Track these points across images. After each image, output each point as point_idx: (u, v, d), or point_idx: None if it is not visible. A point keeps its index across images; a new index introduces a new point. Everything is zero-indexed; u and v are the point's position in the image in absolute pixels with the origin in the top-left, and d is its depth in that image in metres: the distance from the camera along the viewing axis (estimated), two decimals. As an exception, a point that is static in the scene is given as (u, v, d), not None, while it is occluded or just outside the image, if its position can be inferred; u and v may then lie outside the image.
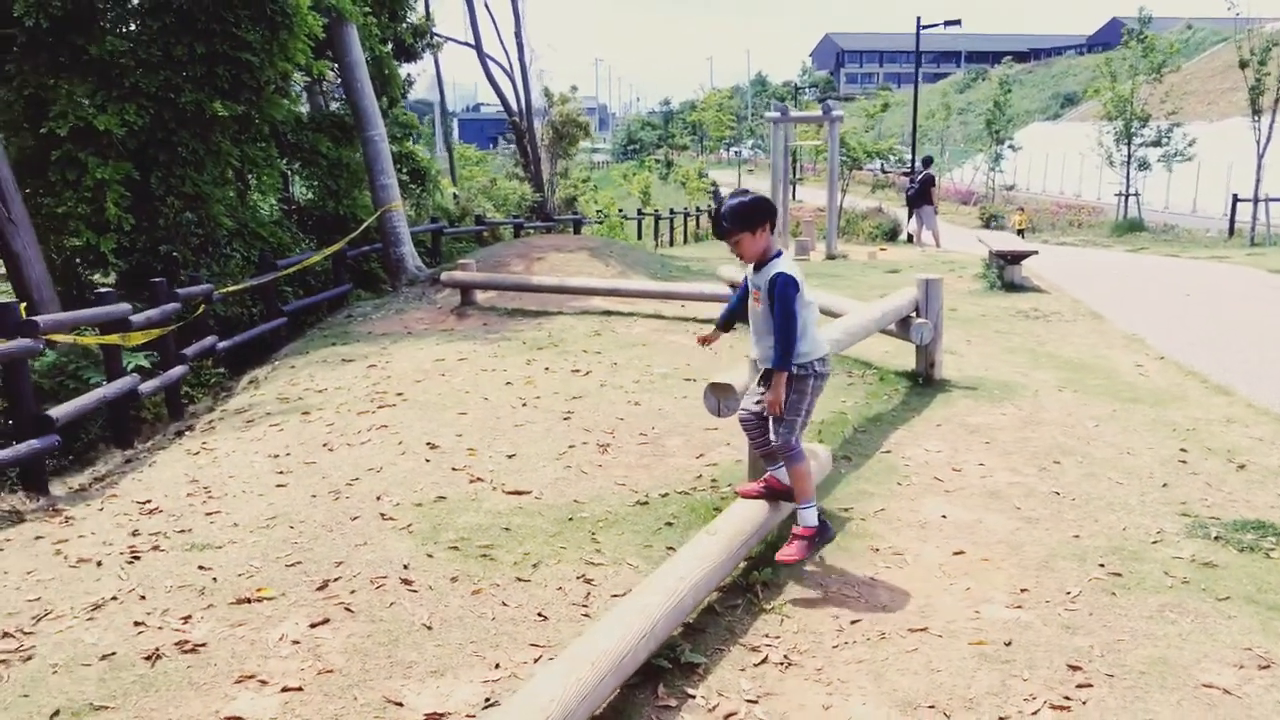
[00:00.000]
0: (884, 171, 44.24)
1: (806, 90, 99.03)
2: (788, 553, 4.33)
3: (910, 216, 24.07)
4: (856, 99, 57.47)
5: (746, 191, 4.43)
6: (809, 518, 4.39)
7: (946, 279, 12.76)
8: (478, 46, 27.91)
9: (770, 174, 23.11)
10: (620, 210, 35.13)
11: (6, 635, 4.12)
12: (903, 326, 7.69)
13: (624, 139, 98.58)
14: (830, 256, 20.26)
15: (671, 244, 33.10)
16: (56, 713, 3.50)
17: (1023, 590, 4.25)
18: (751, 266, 4.40)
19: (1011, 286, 13.24)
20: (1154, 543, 4.75)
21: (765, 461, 4.66)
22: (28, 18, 11.35)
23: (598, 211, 33.00)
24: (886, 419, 6.93)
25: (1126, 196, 31.01)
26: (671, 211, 35.89)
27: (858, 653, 3.79)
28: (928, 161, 24.75)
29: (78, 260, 12.85)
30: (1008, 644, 3.78)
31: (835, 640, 3.89)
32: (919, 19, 28.47)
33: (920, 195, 22.73)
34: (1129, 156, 30.73)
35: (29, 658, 3.91)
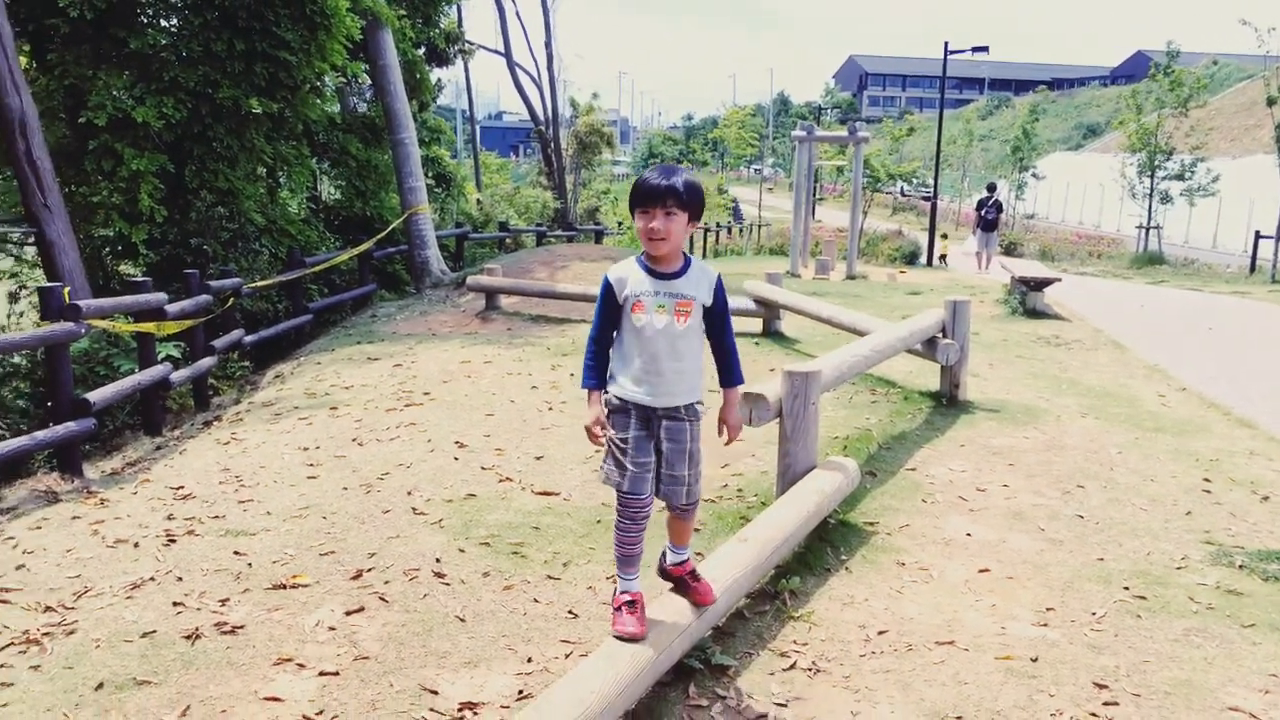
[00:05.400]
0: (903, 195, 44.33)
1: (829, 111, 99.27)
2: (700, 591, 3.66)
3: (981, 241, 24.24)
4: (882, 121, 57.59)
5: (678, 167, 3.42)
6: (687, 554, 3.71)
7: (969, 303, 12.86)
8: (508, 55, 28.15)
9: (792, 193, 23.18)
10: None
11: (49, 609, 4.20)
12: (929, 347, 7.74)
13: (645, 153, 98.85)
14: (850, 276, 20.31)
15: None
16: (100, 685, 3.57)
17: (1048, 609, 4.30)
18: (652, 273, 3.31)
19: (1033, 313, 13.27)
20: (1178, 568, 4.79)
21: (626, 572, 3.53)
22: (72, 9, 11.54)
23: (619, 223, 33.14)
24: (911, 437, 6.97)
25: (1148, 229, 30.98)
26: (691, 226, 35.93)
27: (885, 663, 3.84)
28: (992, 188, 25.00)
29: (107, 250, 13.00)
30: (1034, 660, 3.83)
31: (862, 650, 3.94)
32: (946, 44, 28.53)
33: (996, 220, 23.48)
34: (1151, 189, 30.71)
35: (71, 632, 3.99)
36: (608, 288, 3.37)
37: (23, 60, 12.16)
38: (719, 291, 3.39)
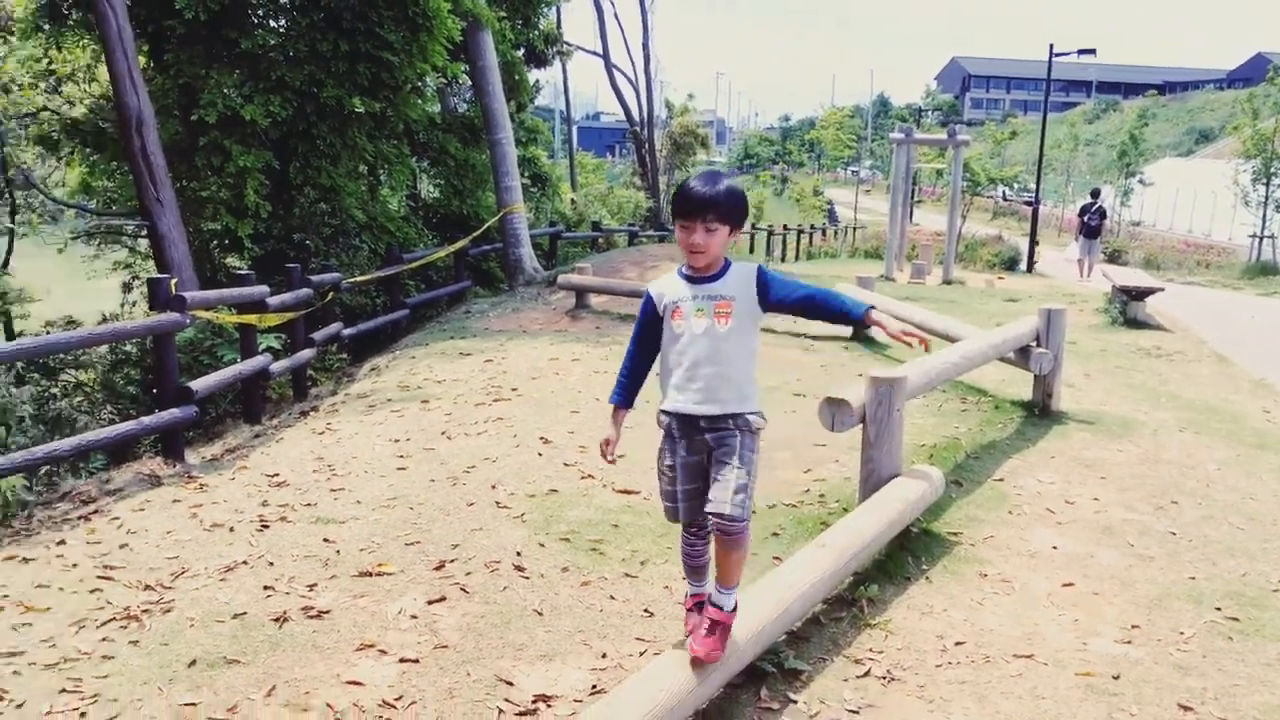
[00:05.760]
0: (1005, 199, 43.38)
1: (929, 113, 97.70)
2: (707, 646, 3.22)
3: (1083, 249, 23.65)
4: (984, 124, 56.48)
5: (722, 174, 3.29)
6: (732, 600, 3.34)
7: (1067, 312, 12.55)
8: (605, 56, 28.35)
9: (889, 195, 22.89)
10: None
11: (148, 588, 4.40)
12: (1022, 355, 7.59)
13: (741, 153, 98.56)
14: (946, 282, 19.98)
15: (783, 259, 33.01)
16: (193, 662, 3.73)
17: (1134, 627, 4.20)
18: (690, 280, 3.22)
19: (1134, 323, 12.89)
20: (1275, 591, 4.62)
21: (694, 579, 3.48)
22: (188, 10, 11.98)
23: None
24: (1000, 447, 6.85)
25: (1261, 238, 29.84)
26: (785, 227, 35.81)
27: (961, 673, 3.80)
28: (1096, 194, 24.38)
29: (215, 243, 13.47)
30: (1116, 678, 3.75)
31: (939, 660, 3.90)
32: (1051, 46, 27.81)
33: (1100, 227, 22.94)
34: (1266, 197, 29.57)
35: (168, 610, 4.17)
36: (649, 301, 3.32)
37: (141, 60, 12.68)
38: (762, 275, 3.22)
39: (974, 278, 21.76)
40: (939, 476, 5.25)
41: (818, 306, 3.31)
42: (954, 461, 6.41)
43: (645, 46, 28.45)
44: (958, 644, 4.03)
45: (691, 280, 3.22)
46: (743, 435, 3.20)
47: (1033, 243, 27.38)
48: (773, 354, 9.72)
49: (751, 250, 33.13)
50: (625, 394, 3.46)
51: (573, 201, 25.72)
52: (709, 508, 3.19)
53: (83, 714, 3.40)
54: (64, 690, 3.55)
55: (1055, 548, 5.07)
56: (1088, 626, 4.20)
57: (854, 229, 40.72)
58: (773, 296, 3.22)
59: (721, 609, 3.30)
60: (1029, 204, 31.75)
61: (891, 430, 5.07)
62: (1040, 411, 7.71)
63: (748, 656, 3.51)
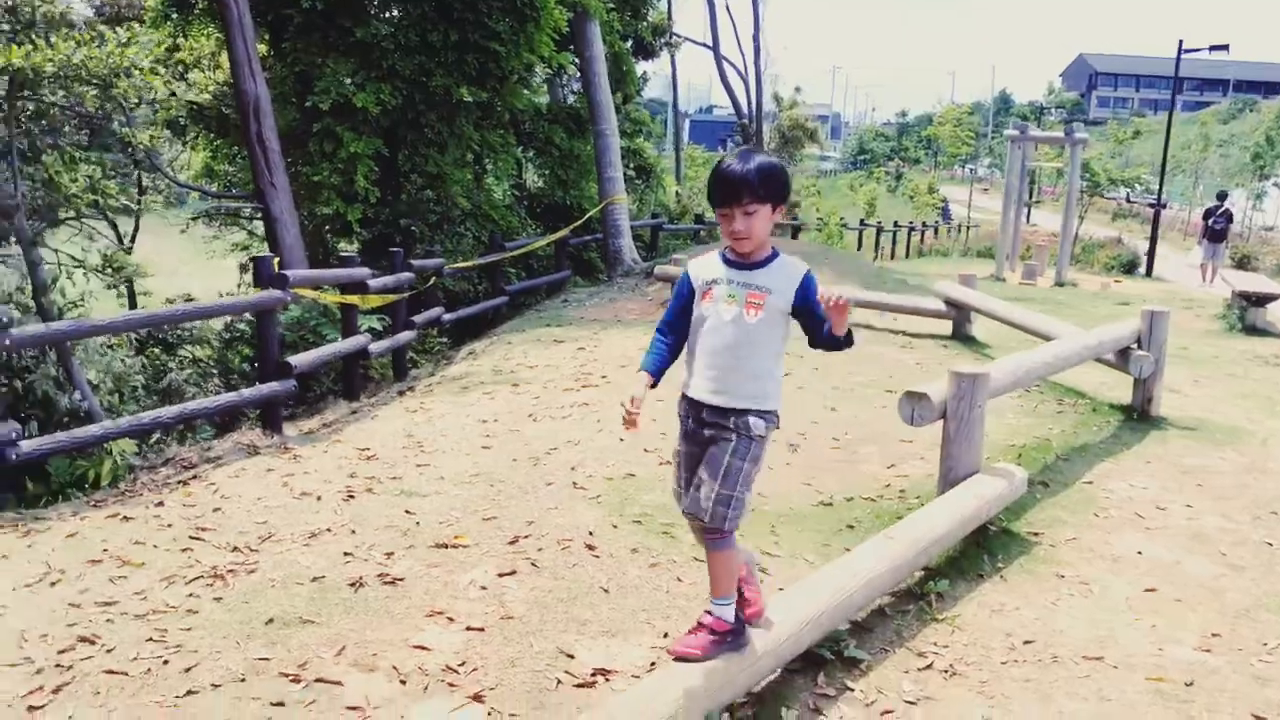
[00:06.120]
0: (1129, 201, 41.94)
1: (1052, 111, 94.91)
2: (687, 643, 3.14)
3: (1206, 253, 22.80)
4: (1107, 123, 54.54)
5: (756, 151, 3.10)
6: (728, 613, 3.20)
7: (1182, 317, 12.11)
8: (715, 48, 28.30)
9: (1003, 194, 22.34)
10: (842, 219, 34.76)
11: (236, 550, 4.60)
12: (1121, 358, 7.37)
13: (855, 148, 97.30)
14: (1059, 284, 19.42)
15: (893, 257, 32.54)
16: (271, 620, 3.90)
17: (1214, 635, 4.05)
18: (731, 264, 3.08)
19: (1253, 330, 12.37)
20: (1374, 608, 4.41)
21: (713, 596, 3.28)
22: (305, 0, 12.38)
23: (818, 219, 32.80)
24: (1093, 450, 6.67)
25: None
26: (896, 224, 35.27)
27: (1026, 671, 3.73)
28: (1223, 196, 23.48)
29: (326, 228, 13.91)
30: (1189, 684, 3.63)
31: (1005, 657, 3.84)
32: (1180, 42, 26.74)
33: (1225, 231, 22.15)
34: None
35: (252, 571, 4.36)
36: (685, 280, 3.18)
37: (261, 48, 13.17)
38: (808, 278, 3.04)
39: (1089, 280, 21.12)
40: (1020, 475, 5.14)
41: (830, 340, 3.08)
42: (1043, 462, 6.26)
43: (755, 39, 28.38)
44: (1026, 642, 3.96)
45: (731, 264, 3.06)
46: (739, 439, 3.04)
47: (1153, 246, 26.43)
48: (869, 351, 9.62)
49: (860, 246, 32.75)
50: (653, 361, 3.19)
51: (677, 194, 25.77)
52: (684, 505, 3.13)
53: (165, 661, 3.58)
54: (150, 639, 3.75)
55: (1140, 553, 4.92)
56: (1166, 633, 4.08)
57: (967, 228, 39.86)
58: (808, 300, 3.02)
59: (717, 617, 3.18)
60: (1153, 206, 30.63)
61: (972, 427, 4.99)
62: (1139, 416, 7.47)
63: (804, 642, 3.51)
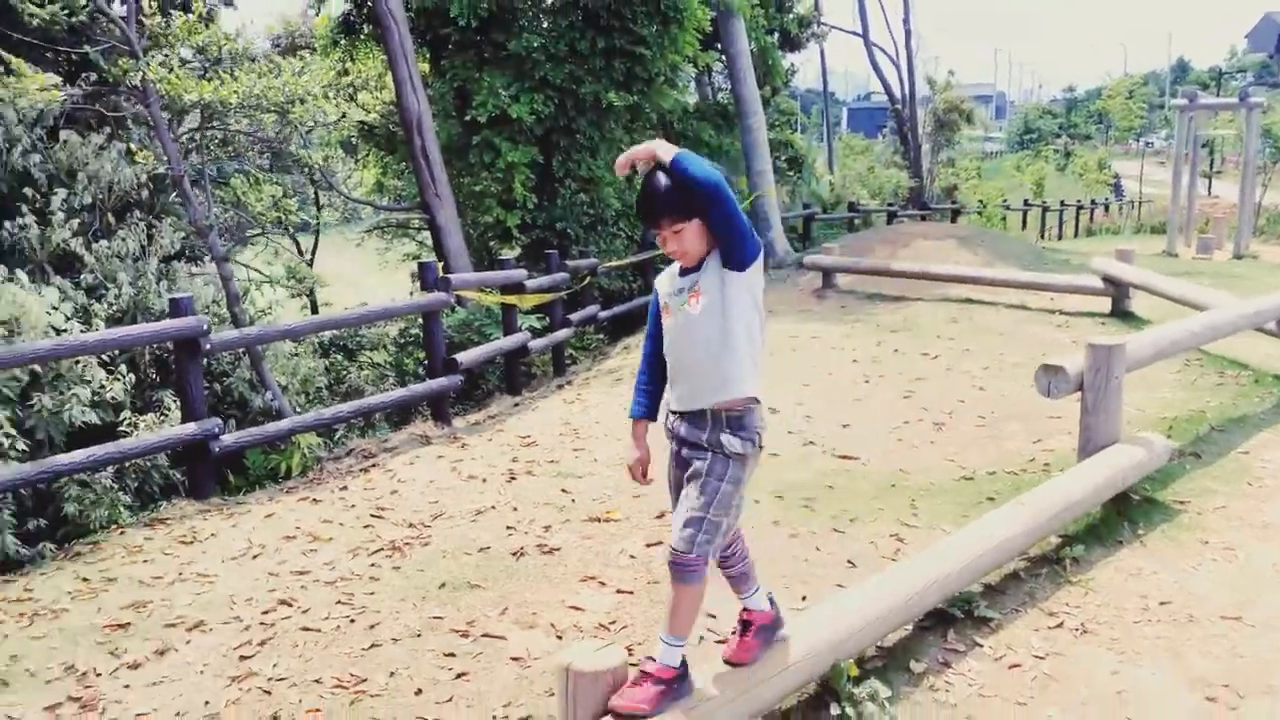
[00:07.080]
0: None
1: (1235, 76, 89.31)
2: (633, 697, 2.75)
3: None
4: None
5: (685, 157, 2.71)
6: (676, 656, 2.87)
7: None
8: (864, 35, 28.04)
9: (1172, 165, 21.39)
10: (1004, 201, 33.82)
11: (411, 526, 5.09)
12: (1284, 326, 7.16)
13: (1020, 128, 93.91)
14: (1237, 256, 18.52)
15: (1060, 237, 31.47)
16: (443, 584, 4.35)
17: (1361, 597, 4.03)
18: (682, 273, 2.89)
19: None
20: None
21: (736, 590, 3.27)
22: (461, 17, 13.06)
23: (979, 201, 32.03)
24: (1252, 421, 6.52)
25: None
26: (1062, 204, 34.07)
27: (1160, 630, 3.81)
28: None
29: (489, 234, 14.59)
30: (1327, 643, 3.65)
31: (1138, 617, 3.92)
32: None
33: None
34: None
35: (426, 544, 4.83)
36: (655, 299, 3.00)
37: (423, 67, 13.93)
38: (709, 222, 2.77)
39: (1271, 253, 20.01)
40: (1161, 444, 5.15)
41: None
42: (1195, 434, 6.19)
43: (906, 22, 27.90)
44: (1162, 604, 4.03)
45: (683, 273, 2.89)
46: (714, 458, 2.83)
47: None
48: (1023, 330, 9.57)
49: (1024, 227, 31.84)
50: (645, 403, 3.04)
51: (830, 183, 25.69)
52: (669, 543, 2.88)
53: (352, 620, 4.06)
54: (339, 602, 4.24)
55: (1291, 520, 4.87)
56: (1309, 595, 4.07)
57: (1139, 203, 38.13)
58: (714, 225, 2.76)
59: (662, 664, 2.83)
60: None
61: (1109, 398, 5.04)
62: (1306, 386, 7.24)
63: (929, 601, 3.69)
